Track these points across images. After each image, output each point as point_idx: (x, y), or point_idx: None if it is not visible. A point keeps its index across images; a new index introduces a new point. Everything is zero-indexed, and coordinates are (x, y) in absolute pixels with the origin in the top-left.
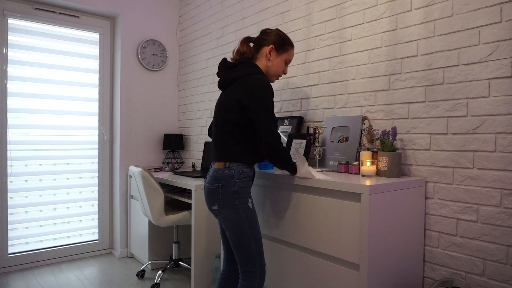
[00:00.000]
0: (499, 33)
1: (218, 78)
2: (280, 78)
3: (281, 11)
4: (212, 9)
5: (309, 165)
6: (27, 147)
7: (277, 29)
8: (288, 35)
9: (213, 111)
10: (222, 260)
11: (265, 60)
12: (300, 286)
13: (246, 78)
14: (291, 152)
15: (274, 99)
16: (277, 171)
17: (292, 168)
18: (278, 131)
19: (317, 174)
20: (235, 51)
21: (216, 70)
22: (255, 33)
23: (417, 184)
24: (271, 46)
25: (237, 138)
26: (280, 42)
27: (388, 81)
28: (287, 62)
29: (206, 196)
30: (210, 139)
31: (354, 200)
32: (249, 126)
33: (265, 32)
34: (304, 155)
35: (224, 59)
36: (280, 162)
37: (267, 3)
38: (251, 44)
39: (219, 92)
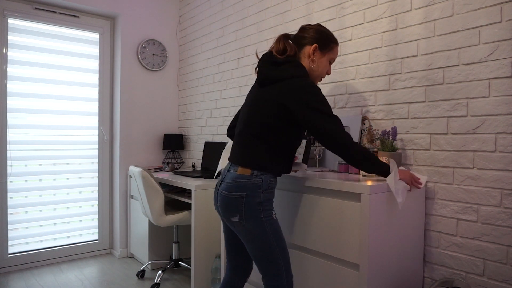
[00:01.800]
0: (499, 33)
1: (259, 72)
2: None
3: (281, 11)
4: (212, 9)
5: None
6: (27, 147)
7: (319, 24)
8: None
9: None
10: (224, 266)
11: (308, 61)
12: (300, 286)
13: (292, 80)
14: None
15: None
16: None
17: (381, 168)
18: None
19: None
20: (274, 48)
21: (216, 70)
22: (255, 33)
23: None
24: (314, 45)
25: (270, 144)
26: (324, 39)
27: (388, 81)
28: (331, 62)
29: (223, 205)
30: (212, 140)
31: (354, 200)
32: (285, 134)
33: (304, 29)
34: (304, 155)
35: (270, 52)
36: (363, 160)
37: (267, 3)
38: (291, 42)
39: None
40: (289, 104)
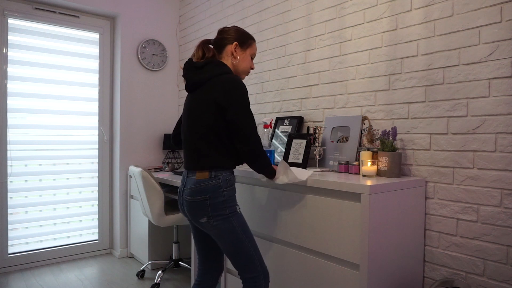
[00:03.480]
0: (499, 33)
1: (185, 80)
2: (249, 73)
3: (281, 11)
4: (212, 9)
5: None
6: (27, 147)
7: (234, 26)
8: (288, 35)
9: None
10: (195, 269)
11: (231, 58)
12: (300, 286)
13: (219, 78)
14: (291, 152)
15: (275, 99)
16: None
17: (271, 173)
18: (279, 131)
19: (305, 175)
20: (195, 57)
21: None
22: (255, 33)
23: (417, 184)
24: (235, 43)
25: (216, 143)
26: (242, 37)
27: (388, 81)
28: (252, 57)
29: (190, 210)
30: None
31: (354, 200)
32: (225, 129)
33: (223, 31)
34: (304, 155)
35: (190, 59)
36: (259, 167)
37: (267, 3)
38: (211, 46)
39: None
40: (218, 100)
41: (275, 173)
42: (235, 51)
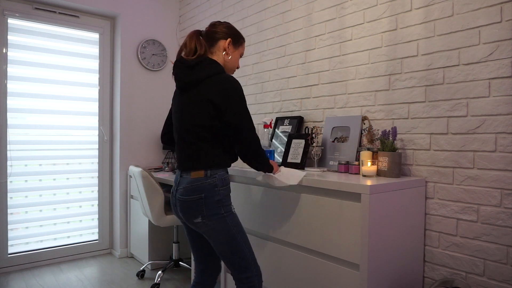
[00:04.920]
0: (499, 33)
1: (176, 80)
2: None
3: (281, 11)
4: (212, 9)
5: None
6: (27, 147)
7: (227, 22)
8: (288, 35)
9: None
10: (193, 271)
11: (223, 54)
12: (300, 286)
13: (214, 78)
14: (291, 152)
15: (275, 99)
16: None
17: (270, 169)
18: (279, 131)
19: (296, 179)
20: (186, 48)
21: None
22: (255, 33)
23: (417, 184)
24: (229, 39)
25: (212, 142)
26: (235, 35)
27: (388, 81)
28: (241, 56)
29: (183, 210)
30: None
31: (354, 200)
32: (221, 129)
33: (216, 25)
34: (303, 155)
35: (181, 58)
36: (260, 165)
37: (267, 3)
38: (203, 41)
39: None
40: (215, 101)
41: (272, 168)
42: (228, 47)
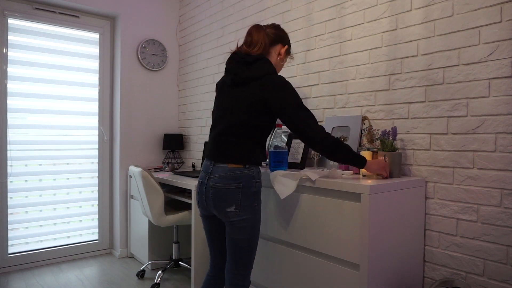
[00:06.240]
0: (499, 33)
1: (231, 73)
2: None
3: (281, 11)
4: (212, 9)
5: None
6: (27, 147)
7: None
8: (288, 35)
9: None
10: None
11: (276, 57)
12: (300, 286)
13: (267, 78)
14: (291, 152)
15: None
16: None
17: (360, 160)
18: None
19: (289, 190)
20: (251, 38)
21: (216, 70)
22: None
23: (417, 184)
24: (286, 46)
25: (255, 140)
26: (289, 45)
27: (388, 81)
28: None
29: (217, 198)
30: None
31: (354, 200)
32: (266, 128)
33: (279, 29)
34: (302, 155)
35: (239, 50)
36: (342, 157)
37: (267, 3)
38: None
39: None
40: (270, 100)
41: (365, 160)
42: (282, 54)
